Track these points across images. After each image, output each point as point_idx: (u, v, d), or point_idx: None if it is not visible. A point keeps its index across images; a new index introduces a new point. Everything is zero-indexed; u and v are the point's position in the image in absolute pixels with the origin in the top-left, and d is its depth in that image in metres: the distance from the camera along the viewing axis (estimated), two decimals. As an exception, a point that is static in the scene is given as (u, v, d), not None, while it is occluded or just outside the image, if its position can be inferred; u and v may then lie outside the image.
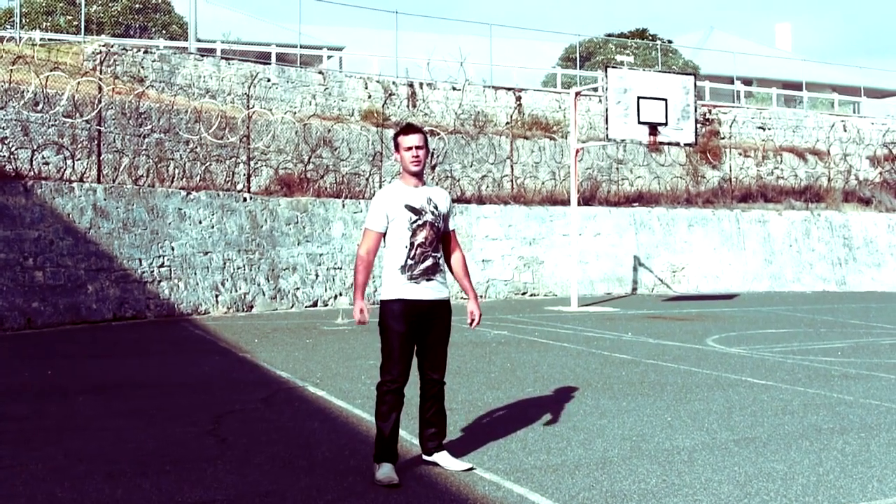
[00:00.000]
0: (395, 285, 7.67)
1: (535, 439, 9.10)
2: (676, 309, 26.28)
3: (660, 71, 29.11)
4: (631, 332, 19.86)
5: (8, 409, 10.96)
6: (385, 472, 7.49)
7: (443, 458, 8.00)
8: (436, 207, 7.77)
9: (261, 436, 9.34)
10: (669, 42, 60.86)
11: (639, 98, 26.00)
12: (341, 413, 10.51)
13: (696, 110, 27.01)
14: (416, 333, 7.74)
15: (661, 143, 27.41)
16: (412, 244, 7.63)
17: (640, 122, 26.03)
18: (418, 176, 7.80)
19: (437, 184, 31.20)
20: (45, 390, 12.38)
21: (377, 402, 7.75)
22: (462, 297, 8.52)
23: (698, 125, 27.68)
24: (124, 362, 15.55)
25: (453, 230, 8.07)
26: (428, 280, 7.67)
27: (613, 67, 26.93)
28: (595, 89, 35.91)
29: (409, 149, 7.70)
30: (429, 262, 7.68)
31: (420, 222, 7.65)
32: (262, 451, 8.65)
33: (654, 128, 26.15)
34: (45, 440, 9.25)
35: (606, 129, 25.87)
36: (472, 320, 8.10)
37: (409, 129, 7.90)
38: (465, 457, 8.31)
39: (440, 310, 7.82)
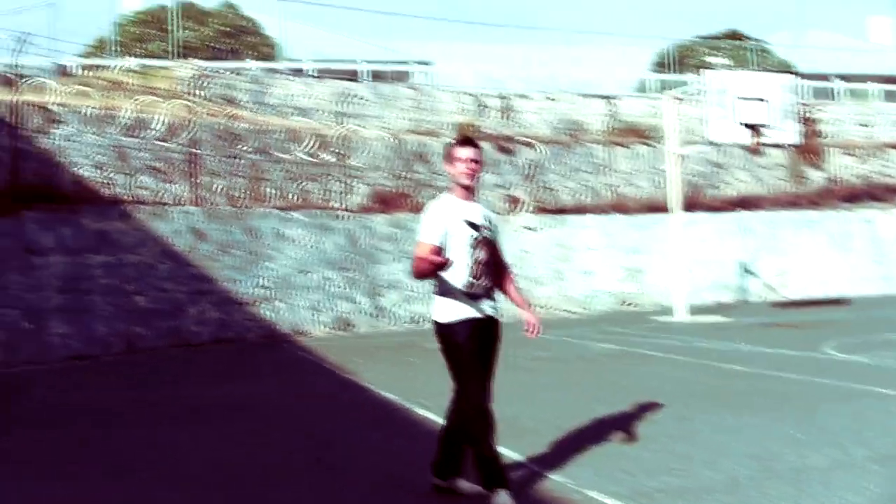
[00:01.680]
0: (457, 305, 7.14)
1: (655, 459, 8.58)
2: (787, 315, 25.47)
3: (758, 70, 28.40)
4: (743, 341, 19.06)
5: (108, 433, 10.83)
6: (504, 500, 6.94)
7: (459, 483, 7.61)
8: (490, 222, 7.35)
9: (370, 461, 9.01)
10: (762, 42, 59.85)
11: (738, 99, 25.36)
12: (452, 435, 10.13)
13: (797, 109, 26.33)
14: (484, 354, 7.21)
15: (763, 145, 26.80)
16: (475, 261, 7.17)
17: (740, 124, 25.39)
18: (470, 190, 7.31)
19: (534, 195, 30.93)
20: (144, 414, 12.25)
21: (473, 433, 7.13)
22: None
23: (800, 124, 26.94)
24: (226, 386, 15.28)
25: (500, 248, 7.55)
26: (487, 298, 7.24)
27: (710, 69, 26.40)
28: (690, 93, 35.26)
29: (465, 161, 7.23)
30: (488, 281, 7.24)
31: (479, 238, 7.20)
32: (369, 476, 8.35)
33: (755, 129, 25.50)
34: (138, 465, 9.08)
35: (707, 132, 25.32)
36: (532, 329, 7.55)
37: (466, 141, 7.47)
38: (580, 478, 7.92)
39: (496, 327, 7.33)
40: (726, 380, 13.79)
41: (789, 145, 27.09)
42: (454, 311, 7.11)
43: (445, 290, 7.17)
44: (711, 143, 25.79)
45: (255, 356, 20.05)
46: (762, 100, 25.58)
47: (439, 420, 8.35)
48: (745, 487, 7.55)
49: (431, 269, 7.08)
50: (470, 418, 7.14)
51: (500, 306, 7.38)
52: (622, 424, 10.26)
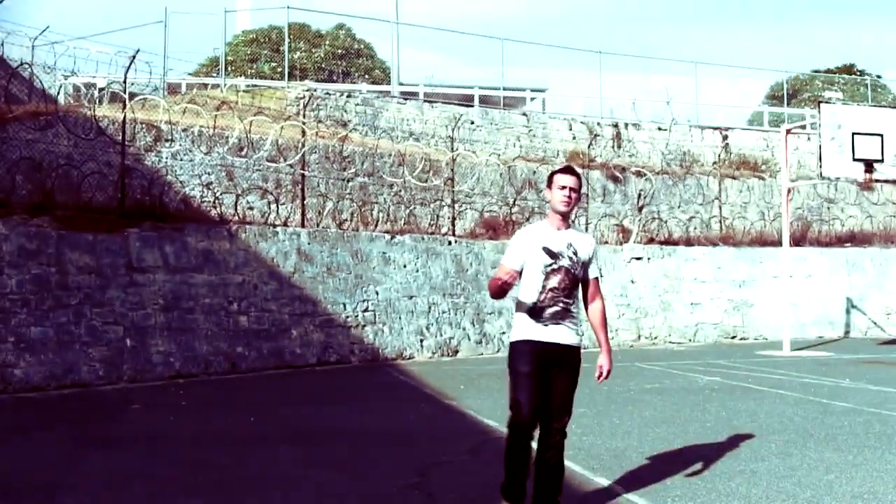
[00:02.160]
0: (523, 326, 7.46)
1: (760, 496, 8.34)
2: (894, 354, 24.75)
3: (874, 105, 27.59)
4: (848, 378, 18.55)
5: (209, 457, 10.60)
6: None
7: None
8: (575, 253, 7.50)
9: (469, 490, 8.77)
10: (878, 77, 58.80)
11: (853, 134, 24.64)
12: (555, 466, 9.77)
13: (918, 145, 25.54)
14: (544, 377, 7.39)
15: (878, 181, 26.06)
16: (544, 287, 7.41)
17: (854, 160, 24.65)
18: (565, 217, 7.55)
19: (643, 224, 30.48)
20: (247, 437, 12.00)
21: (507, 444, 7.51)
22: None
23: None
24: (327, 409, 15.02)
25: (595, 278, 7.74)
26: (556, 324, 7.41)
27: (826, 103, 25.74)
28: (804, 126, 34.53)
29: (563, 188, 7.46)
30: (558, 308, 7.42)
31: (555, 267, 7.43)
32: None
33: (869, 165, 24.76)
34: (244, 490, 8.86)
35: (820, 166, 24.64)
36: (600, 374, 7.61)
37: (567, 169, 7.70)
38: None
39: (568, 355, 7.47)
40: (830, 416, 13.35)
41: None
42: (519, 332, 7.48)
43: (517, 311, 7.51)
44: (824, 178, 25.08)
45: (360, 380, 19.77)
46: (878, 135, 24.85)
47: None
48: (850, 529, 7.19)
49: (499, 289, 7.33)
50: (509, 429, 7.49)
51: (579, 335, 7.57)
52: (728, 460, 10.03)
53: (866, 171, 24.76)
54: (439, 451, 10.77)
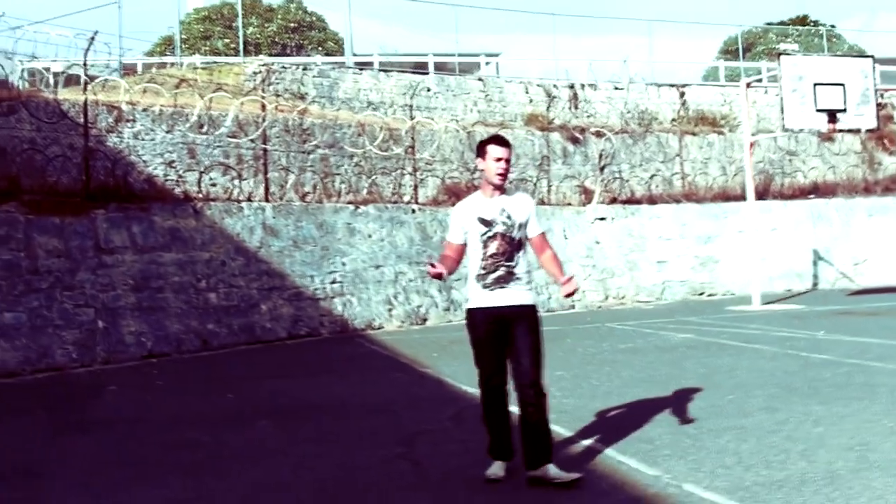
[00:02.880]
0: (473, 294, 7.89)
1: (750, 452, 8.34)
2: (865, 304, 24.87)
3: (834, 55, 27.73)
4: (824, 330, 18.58)
5: (189, 436, 10.64)
6: (492, 469, 7.85)
7: (549, 472, 7.59)
8: (509, 217, 7.76)
9: (455, 456, 8.85)
10: (832, 27, 58.99)
11: (815, 85, 24.74)
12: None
13: (876, 94, 25.74)
14: (499, 338, 7.74)
15: (840, 131, 26.16)
16: (485, 255, 7.73)
17: (817, 111, 24.75)
18: (499, 187, 7.82)
19: (605, 184, 30.63)
20: (226, 415, 12.06)
21: (482, 406, 8.05)
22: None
23: (884, 109, 26.30)
24: (304, 383, 15.13)
25: (541, 234, 8.02)
26: (502, 287, 7.71)
27: (785, 55, 25.89)
28: (760, 80, 34.70)
29: (499, 160, 7.74)
30: (500, 272, 7.72)
31: (490, 234, 7.73)
32: (460, 474, 8.16)
33: (832, 115, 24.85)
34: (228, 469, 8.90)
35: (783, 118, 24.71)
36: (568, 288, 7.68)
37: (500, 139, 7.94)
38: (676, 472, 7.75)
39: (520, 315, 7.73)
40: (810, 369, 13.41)
41: (868, 130, 26.40)
42: (471, 301, 7.91)
43: (468, 282, 7.95)
44: (787, 130, 25.23)
45: (332, 352, 19.82)
46: (840, 85, 24.99)
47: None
48: (847, 480, 7.28)
49: (449, 268, 7.85)
50: (480, 390, 8.02)
51: (530, 293, 7.85)
52: (714, 418, 10.06)
53: (829, 122, 24.80)
54: (421, 420, 10.86)
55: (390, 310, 24.25)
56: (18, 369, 17.07)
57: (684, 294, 30.27)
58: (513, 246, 7.76)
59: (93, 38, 20.91)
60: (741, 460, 8.05)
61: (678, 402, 11.05)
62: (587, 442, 9.13)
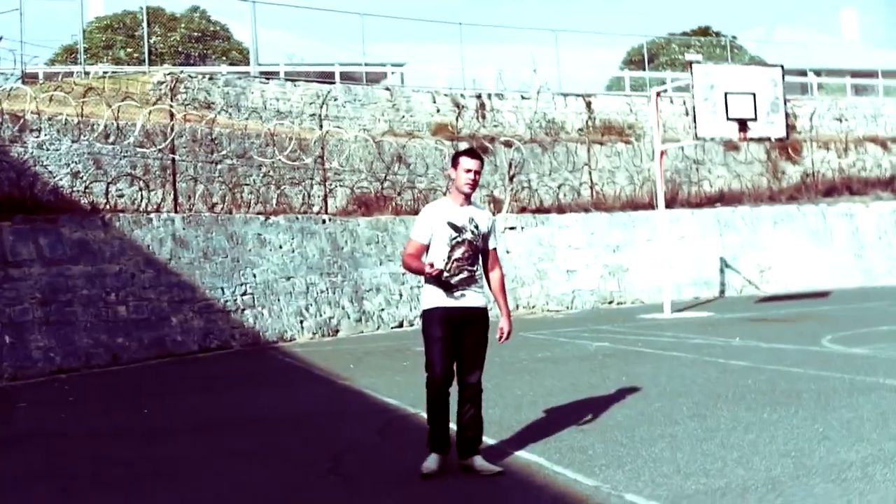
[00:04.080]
0: (433, 295, 8.27)
1: (686, 460, 8.30)
2: (774, 310, 25.23)
3: (746, 64, 27.86)
4: (738, 336, 18.80)
5: (113, 453, 10.32)
6: (428, 462, 8.26)
7: (476, 462, 8.29)
8: (476, 227, 8.33)
9: (386, 473, 8.70)
10: (734, 38, 59.70)
11: (726, 94, 24.89)
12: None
13: (785, 103, 25.98)
14: (453, 339, 8.21)
15: (752, 139, 26.40)
16: (450, 258, 8.20)
17: (728, 119, 24.90)
18: (467, 197, 8.38)
19: (514, 194, 30.64)
20: (146, 430, 11.74)
21: (426, 402, 8.34)
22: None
23: (788, 118, 26.52)
24: (220, 396, 14.83)
25: (493, 248, 8.60)
26: (462, 291, 8.22)
27: (697, 63, 26.07)
28: (665, 90, 34.93)
29: (469, 171, 8.28)
30: (464, 275, 8.23)
31: (459, 239, 8.24)
32: (392, 491, 8.06)
33: (743, 124, 25.04)
34: (156, 486, 8.65)
35: (694, 127, 24.82)
36: (501, 336, 8.49)
37: (472, 152, 8.51)
38: (615, 482, 7.72)
39: (475, 317, 8.30)
40: (732, 376, 13.51)
41: (777, 139, 26.63)
42: (430, 300, 8.30)
43: (426, 282, 8.31)
44: (699, 139, 25.36)
45: (246, 365, 19.55)
46: (751, 94, 25.17)
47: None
48: (788, 486, 7.30)
49: (415, 269, 8.36)
50: (427, 394, 8.29)
51: (484, 297, 8.40)
52: (644, 426, 10.04)
53: (741, 130, 24.96)
54: (347, 434, 10.69)
55: (302, 321, 23.99)
56: (-79, 386, 16.56)
57: (594, 303, 30.38)
58: (476, 253, 8.35)
59: (-3, 44, 20.44)
60: (679, 469, 8.01)
61: (605, 411, 11.02)
62: (520, 453, 9.01)
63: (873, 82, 50.51)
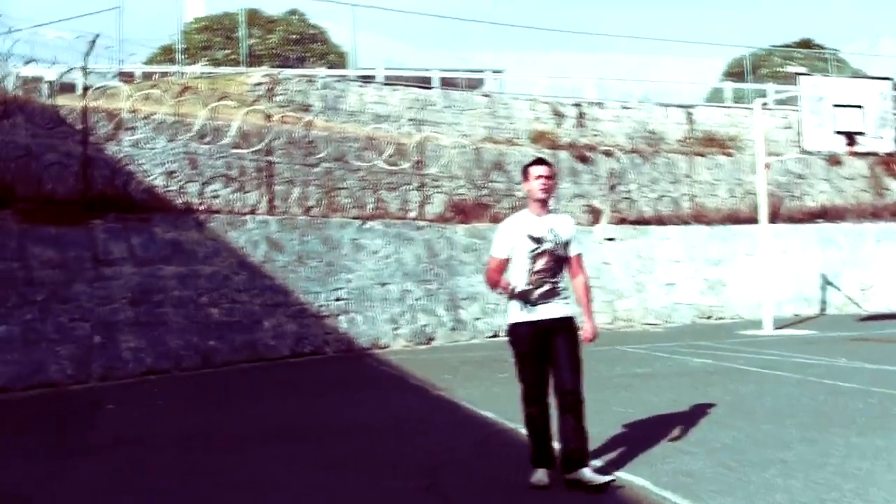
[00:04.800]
0: (517, 309, 8.20)
1: (800, 489, 7.67)
2: (878, 330, 24.17)
3: (853, 76, 26.95)
4: (844, 357, 17.87)
5: (198, 460, 9.90)
6: (537, 476, 8.06)
7: (585, 475, 7.94)
8: (556, 236, 8.19)
9: (486, 489, 8.17)
10: (836, 51, 58.54)
11: (834, 106, 24.05)
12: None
13: (894, 117, 25.06)
14: (542, 351, 8.11)
15: (859, 154, 25.52)
16: (531, 270, 8.12)
17: (836, 132, 24.06)
18: (543, 204, 8.25)
19: (613, 204, 29.99)
20: (234, 437, 11.26)
21: (524, 417, 8.32)
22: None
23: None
24: (313, 403, 14.35)
25: (578, 255, 8.45)
26: (546, 303, 8.10)
27: (805, 75, 25.25)
28: (768, 102, 34.00)
29: (539, 177, 8.20)
30: (546, 287, 8.12)
31: (539, 250, 8.13)
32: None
33: (851, 137, 24.19)
34: (244, 497, 8.19)
35: (801, 140, 24.05)
36: (585, 338, 8.31)
37: (539, 160, 8.51)
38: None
39: (561, 326, 8.13)
40: (840, 398, 12.70)
41: (887, 154, 25.68)
42: (515, 315, 8.25)
43: (510, 297, 8.21)
44: (806, 152, 24.54)
45: (339, 371, 19.13)
46: (859, 107, 24.32)
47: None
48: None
49: (499, 286, 8.24)
50: (523, 402, 8.26)
51: (569, 306, 8.22)
52: (752, 449, 9.43)
53: (848, 144, 24.17)
54: (442, 447, 10.12)
55: (396, 329, 23.51)
56: (10, 385, 16.32)
57: (692, 317, 29.66)
58: (558, 263, 8.23)
59: (94, 41, 20.21)
60: (793, 498, 7.40)
61: (710, 431, 10.44)
62: (622, 474, 8.41)
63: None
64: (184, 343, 19.31)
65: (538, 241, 8.11)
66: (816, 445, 9.39)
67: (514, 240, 8.18)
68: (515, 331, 8.26)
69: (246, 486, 8.63)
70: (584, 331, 8.28)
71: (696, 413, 11.72)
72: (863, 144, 24.47)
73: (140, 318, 18.82)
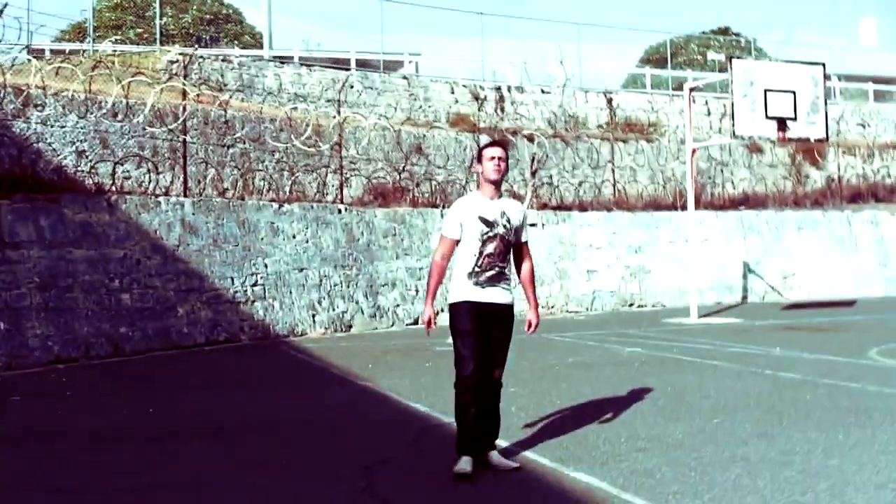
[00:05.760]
0: (461, 289, 8.11)
1: (770, 489, 7.27)
2: (804, 318, 24.24)
3: (787, 61, 26.65)
4: (778, 346, 17.67)
5: (114, 458, 9.25)
6: (461, 464, 7.94)
7: (493, 458, 8.18)
8: (508, 221, 8.17)
9: (428, 491, 7.72)
10: (754, 40, 58.83)
11: (766, 91, 23.84)
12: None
13: (825, 103, 24.87)
14: (483, 333, 8.02)
15: (791, 140, 25.24)
16: (481, 253, 8.07)
17: (767, 118, 23.82)
18: (496, 185, 8.25)
19: (535, 190, 29.61)
20: (151, 433, 10.58)
21: (455, 401, 8.08)
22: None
23: (828, 119, 25.36)
24: (232, 395, 13.63)
25: (525, 242, 8.45)
26: (492, 286, 8.05)
27: (738, 59, 25.00)
28: (698, 87, 33.86)
29: (492, 158, 8.17)
30: (494, 272, 8.07)
31: (490, 234, 8.09)
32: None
33: (782, 123, 23.98)
34: (161, 499, 7.64)
35: (733, 124, 23.68)
36: (529, 326, 8.43)
37: (494, 143, 8.54)
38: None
39: (502, 313, 8.14)
40: (787, 390, 12.38)
41: (817, 140, 25.44)
42: (458, 294, 8.13)
43: (455, 276, 8.20)
44: (737, 137, 24.22)
45: (257, 360, 18.47)
46: (791, 92, 24.09)
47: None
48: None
49: (431, 286, 8.27)
50: (457, 392, 8.05)
51: (511, 294, 8.20)
52: (709, 444, 9.06)
53: (779, 130, 23.93)
54: (376, 445, 9.52)
55: (314, 315, 22.89)
56: None
57: (614, 305, 29.52)
58: (507, 248, 8.19)
59: (2, 9, 19.24)
60: (765, 499, 7.01)
61: (659, 426, 10.02)
62: (578, 475, 7.93)
63: (894, 89, 49.73)
64: (94, 330, 18.52)
65: (490, 224, 8.08)
66: (775, 441, 9.05)
67: (465, 220, 8.13)
68: (458, 309, 8.13)
69: (163, 487, 8.04)
70: (528, 320, 8.39)
71: (640, 406, 11.35)
72: (794, 130, 24.24)
73: (48, 304, 17.98)
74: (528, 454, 8.75)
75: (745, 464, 8.13)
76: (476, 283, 8.06)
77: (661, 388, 12.82)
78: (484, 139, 30.34)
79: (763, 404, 11.23)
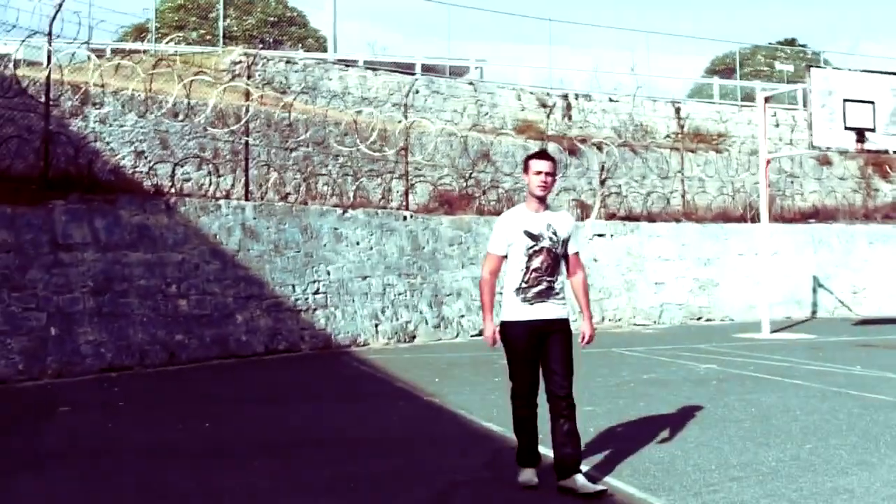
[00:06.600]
0: (511, 307, 7.93)
1: None
2: (877, 335, 23.37)
3: (865, 71, 25.65)
4: (858, 364, 16.88)
5: (167, 478, 8.55)
6: (526, 475, 7.96)
7: (577, 482, 7.70)
8: (555, 233, 7.96)
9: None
10: (818, 53, 58.06)
11: (844, 101, 22.87)
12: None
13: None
14: (535, 352, 7.87)
15: (869, 151, 24.26)
16: (527, 269, 7.87)
17: (846, 128, 22.87)
18: (542, 200, 8.05)
19: (603, 200, 28.91)
20: (207, 449, 9.93)
21: (513, 415, 8.10)
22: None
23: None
24: (292, 409, 12.94)
25: (576, 253, 8.21)
26: (541, 301, 7.85)
27: (817, 67, 24.05)
28: (771, 96, 33.00)
29: (539, 173, 7.95)
30: (542, 287, 7.87)
31: (536, 248, 7.89)
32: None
33: (861, 134, 23.00)
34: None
35: (811, 136, 22.74)
36: (583, 339, 8.14)
37: (542, 154, 8.25)
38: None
39: (556, 327, 7.90)
40: (878, 413, 11.58)
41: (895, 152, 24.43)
42: (509, 313, 7.95)
43: (505, 292, 8.00)
44: (815, 148, 23.28)
45: (318, 371, 17.81)
46: (870, 102, 23.12)
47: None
48: None
49: (484, 302, 8.18)
50: (512, 408, 8.08)
51: (565, 307, 7.93)
52: (807, 473, 8.40)
53: (858, 141, 22.98)
54: (449, 467, 8.83)
55: (377, 325, 22.17)
56: (-45, 380, 14.85)
57: (682, 318, 28.82)
58: (555, 261, 7.98)
59: (61, 4, 18.67)
60: None
61: (749, 452, 9.30)
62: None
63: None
64: (149, 337, 17.94)
65: (536, 238, 7.91)
66: (877, 470, 8.41)
67: (511, 236, 7.97)
68: (509, 330, 7.94)
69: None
70: (582, 332, 8.13)
71: (726, 429, 10.60)
72: (873, 142, 23.28)
73: (102, 309, 17.43)
74: (612, 480, 8.13)
75: (849, 497, 7.52)
76: (524, 300, 7.87)
77: (743, 408, 12.15)
78: (552, 147, 29.59)
79: (856, 428, 10.51)
